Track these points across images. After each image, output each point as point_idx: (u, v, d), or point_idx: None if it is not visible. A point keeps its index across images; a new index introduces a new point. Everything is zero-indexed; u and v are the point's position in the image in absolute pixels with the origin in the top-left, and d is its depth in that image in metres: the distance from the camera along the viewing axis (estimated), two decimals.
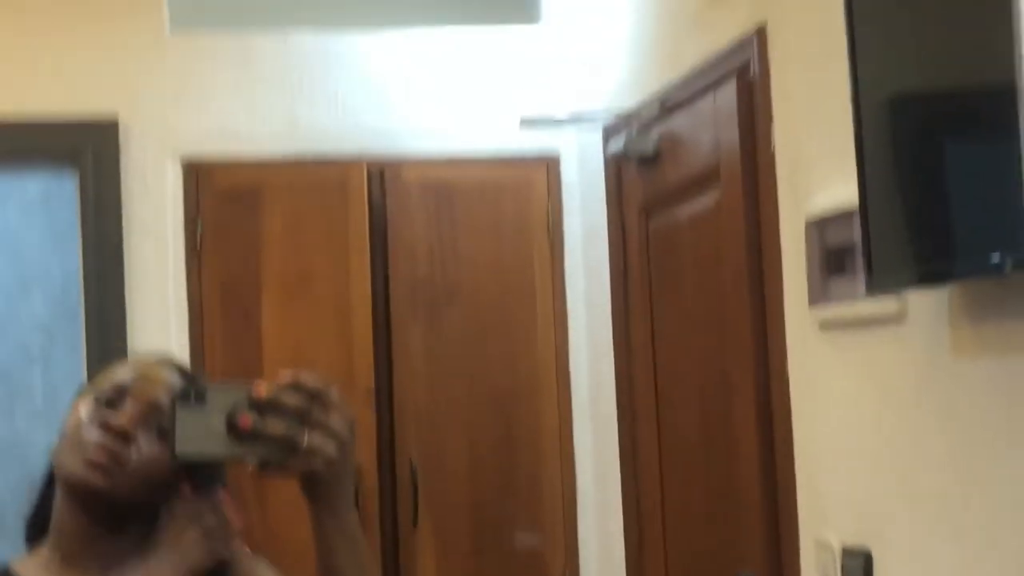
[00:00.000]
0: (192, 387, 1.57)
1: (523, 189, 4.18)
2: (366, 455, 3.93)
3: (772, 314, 3.00)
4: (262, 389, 1.53)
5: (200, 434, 1.53)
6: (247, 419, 1.51)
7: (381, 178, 4.08)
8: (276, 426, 1.51)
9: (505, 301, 4.16)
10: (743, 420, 3.14)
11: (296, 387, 1.53)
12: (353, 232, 4.01)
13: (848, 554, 2.61)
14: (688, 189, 3.43)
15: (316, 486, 1.55)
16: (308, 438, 1.51)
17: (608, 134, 3.88)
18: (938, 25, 2.08)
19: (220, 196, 3.98)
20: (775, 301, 2.98)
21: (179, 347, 3.87)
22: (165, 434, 1.67)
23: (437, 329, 4.10)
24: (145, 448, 1.72)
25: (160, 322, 3.91)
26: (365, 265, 4.01)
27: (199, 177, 3.97)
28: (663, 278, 3.65)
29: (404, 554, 4.04)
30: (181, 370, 1.82)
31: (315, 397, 1.53)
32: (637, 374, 3.82)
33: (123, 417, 1.72)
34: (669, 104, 3.48)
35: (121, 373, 1.79)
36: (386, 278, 4.06)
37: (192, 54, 4.02)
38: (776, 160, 2.95)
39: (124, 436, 1.71)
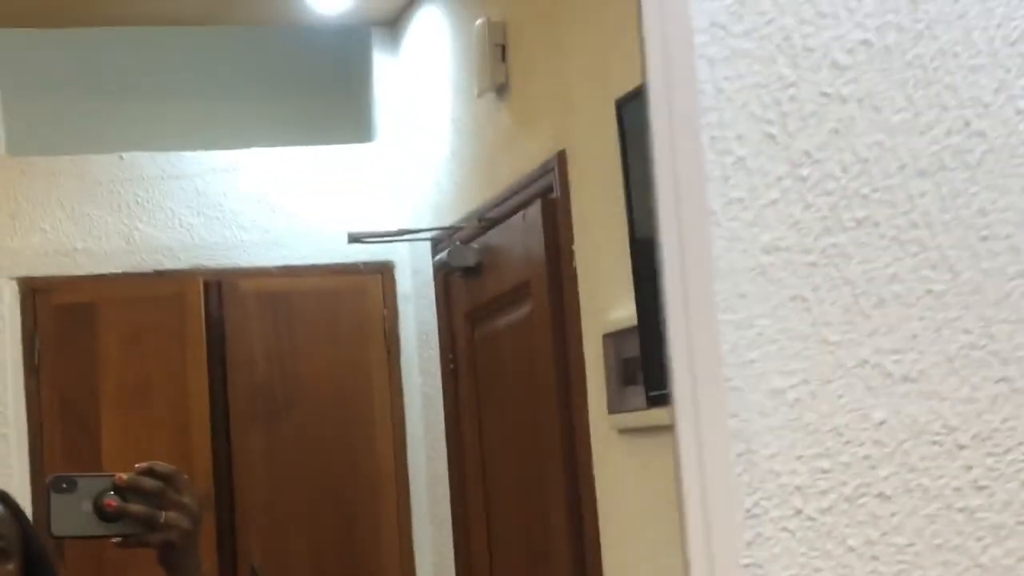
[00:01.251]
0: (63, 478, 1.79)
1: (359, 297, 4.35)
2: (207, 558, 4.02)
3: (578, 420, 3.18)
4: (123, 476, 1.77)
5: (72, 516, 1.77)
6: (112, 502, 1.76)
7: (219, 289, 4.22)
8: (137, 506, 1.76)
9: (344, 406, 4.30)
10: (556, 519, 3.32)
11: (151, 473, 1.79)
12: (190, 342, 4.14)
13: None
14: (506, 299, 3.62)
15: (171, 555, 1.80)
16: (165, 515, 1.76)
17: (435, 247, 4.07)
18: None
19: (57, 312, 4.09)
20: (580, 408, 3.16)
21: (20, 464, 3.97)
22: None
23: (277, 435, 4.23)
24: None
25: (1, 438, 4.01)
26: (202, 374, 4.14)
27: (36, 295, 4.09)
28: (489, 384, 3.83)
29: None
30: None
31: (168, 480, 1.78)
32: (468, 476, 3.98)
33: None
34: (487, 220, 3.67)
35: None
36: (225, 386, 4.19)
37: (29, 175, 4.14)
38: (578, 276, 3.15)
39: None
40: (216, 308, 4.22)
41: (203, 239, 4.23)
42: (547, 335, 3.31)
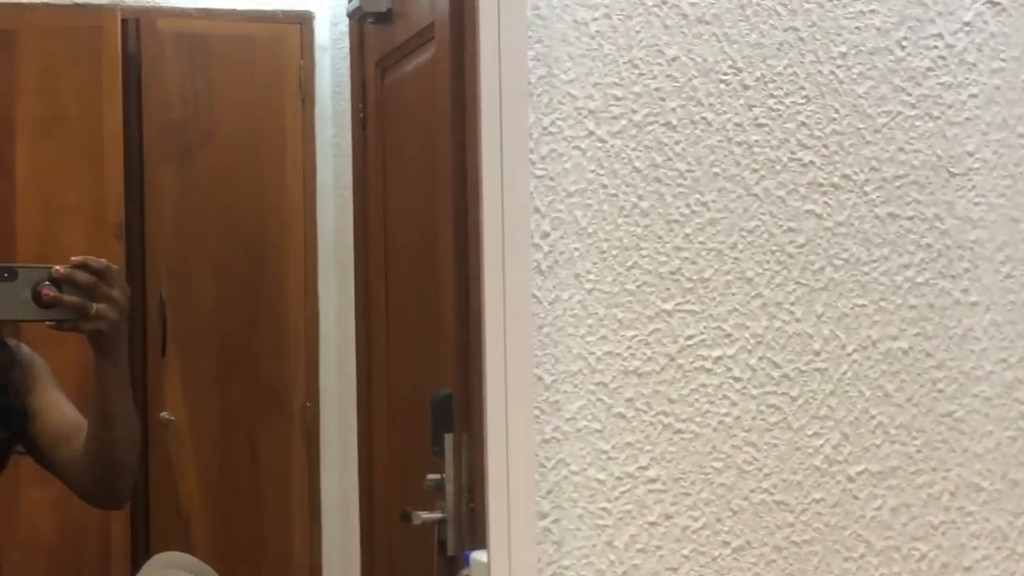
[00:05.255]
0: (4, 268, 1.97)
1: (276, 45, 4.43)
2: None
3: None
4: (59, 269, 1.96)
5: (12, 302, 1.95)
6: (48, 291, 1.95)
7: (137, 26, 4.29)
8: (71, 296, 1.95)
9: (257, 151, 4.41)
10: (446, 254, 3.46)
11: (85, 267, 1.97)
12: (106, 77, 4.22)
13: None
14: (412, 44, 3.71)
15: (101, 342, 2.01)
16: (96, 307, 1.95)
17: None
18: None
19: None
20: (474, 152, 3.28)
21: None
22: None
23: (190, 172, 4.34)
24: None
25: None
26: (117, 109, 4.22)
27: None
28: (394, 133, 3.94)
29: (152, 381, 4.32)
30: None
31: (100, 274, 1.97)
32: (371, 221, 4.11)
33: None
34: None
35: None
36: (140, 123, 4.29)
37: None
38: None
39: None
40: (134, 45, 4.29)
41: None
42: (447, 77, 3.41)
